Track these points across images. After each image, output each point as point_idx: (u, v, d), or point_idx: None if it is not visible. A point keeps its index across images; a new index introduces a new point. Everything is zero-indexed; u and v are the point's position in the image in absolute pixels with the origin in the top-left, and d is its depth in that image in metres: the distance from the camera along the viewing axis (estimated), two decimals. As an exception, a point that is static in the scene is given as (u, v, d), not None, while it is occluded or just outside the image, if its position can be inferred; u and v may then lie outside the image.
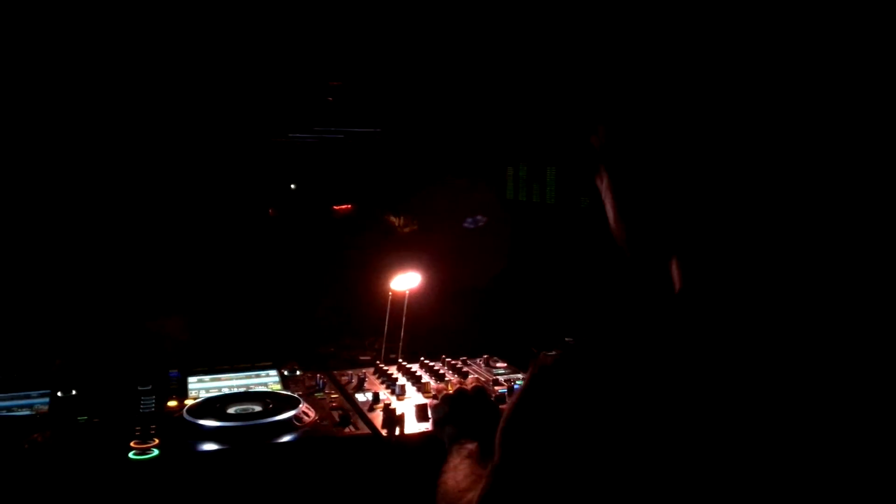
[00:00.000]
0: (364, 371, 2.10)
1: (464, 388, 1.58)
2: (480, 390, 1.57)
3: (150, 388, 1.92)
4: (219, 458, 1.56)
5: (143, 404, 1.82)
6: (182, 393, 1.91)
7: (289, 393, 1.86)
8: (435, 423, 1.58)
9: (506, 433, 0.86)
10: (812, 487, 0.76)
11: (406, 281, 2.26)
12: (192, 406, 1.73)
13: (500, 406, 1.71)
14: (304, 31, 2.72)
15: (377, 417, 1.73)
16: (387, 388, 1.97)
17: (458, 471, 1.28)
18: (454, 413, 1.52)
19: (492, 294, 3.17)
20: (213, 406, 1.74)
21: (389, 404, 1.75)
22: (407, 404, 1.82)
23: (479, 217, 5.12)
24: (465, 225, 5.16)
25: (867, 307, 0.83)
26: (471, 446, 1.35)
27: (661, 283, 0.92)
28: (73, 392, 1.84)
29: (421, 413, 1.73)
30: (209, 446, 1.58)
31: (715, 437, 0.76)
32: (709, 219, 0.82)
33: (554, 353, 0.85)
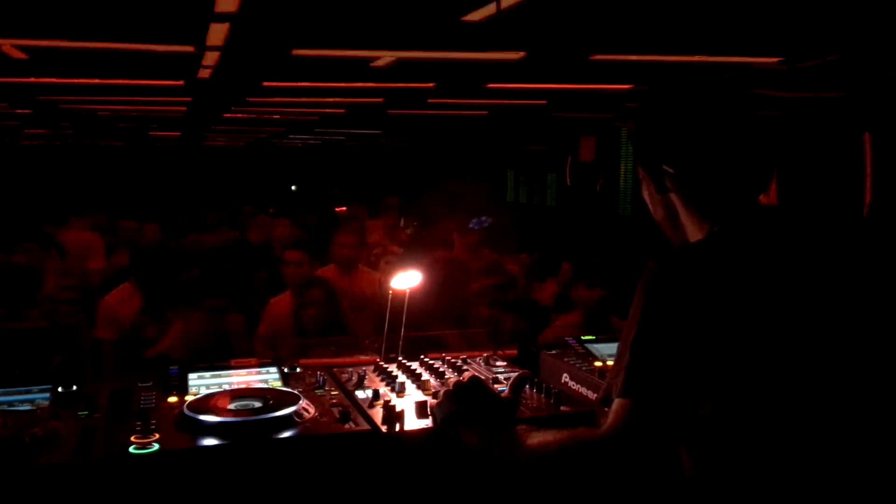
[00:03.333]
0: (364, 369, 2.10)
1: (461, 381, 1.58)
2: (477, 380, 1.58)
3: (150, 384, 1.92)
4: (219, 453, 1.57)
5: (143, 400, 1.82)
6: (182, 389, 1.91)
7: (289, 389, 1.86)
8: (443, 421, 1.57)
9: (641, 326, 1.20)
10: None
11: (406, 279, 2.26)
12: (192, 401, 1.73)
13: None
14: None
15: (377, 414, 1.73)
16: (387, 385, 1.97)
17: (540, 434, 1.33)
18: (462, 408, 1.52)
19: (493, 293, 3.17)
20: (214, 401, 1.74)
21: (389, 401, 1.76)
22: (407, 401, 1.82)
23: (481, 218, 5.13)
24: (469, 226, 5.17)
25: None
26: (523, 426, 1.38)
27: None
28: (74, 387, 1.85)
29: (421, 410, 1.73)
30: (209, 441, 1.58)
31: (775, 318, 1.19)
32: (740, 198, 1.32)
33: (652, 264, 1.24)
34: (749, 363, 1.18)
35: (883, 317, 1.25)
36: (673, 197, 1.37)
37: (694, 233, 1.35)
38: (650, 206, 1.44)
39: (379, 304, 3.23)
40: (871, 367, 1.22)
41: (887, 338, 1.24)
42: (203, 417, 1.64)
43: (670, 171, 1.33)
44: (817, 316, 1.21)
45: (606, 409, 1.23)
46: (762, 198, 1.35)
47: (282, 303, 3.79)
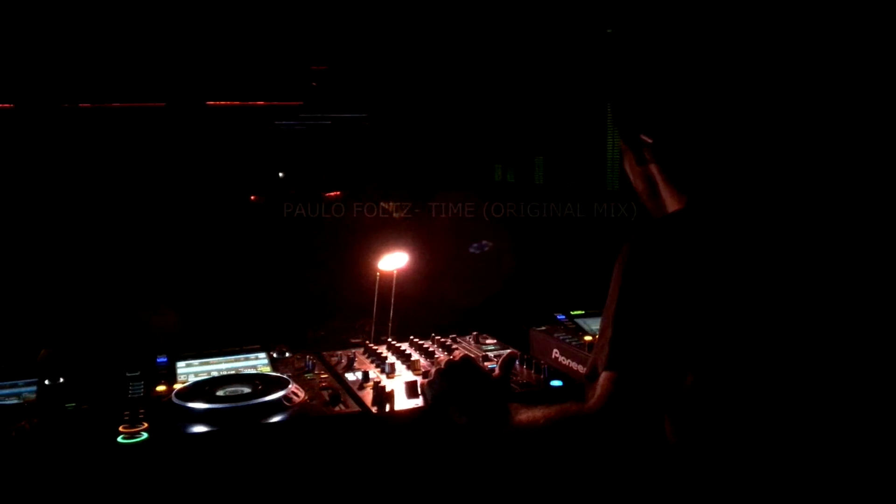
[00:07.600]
0: (354, 351, 2.09)
1: (453, 360, 1.58)
2: (468, 359, 1.57)
3: (138, 373, 1.91)
4: (209, 440, 1.56)
5: (131, 390, 1.81)
6: (171, 378, 1.90)
7: (278, 374, 1.85)
8: (434, 400, 1.57)
9: (621, 299, 1.20)
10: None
11: (394, 261, 2.25)
12: (181, 389, 1.72)
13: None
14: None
15: (367, 395, 1.73)
16: (376, 367, 1.96)
17: (529, 410, 1.33)
18: (453, 388, 1.52)
19: (481, 272, 3.17)
20: (203, 389, 1.73)
21: (379, 382, 1.75)
22: (397, 382, 1.82)
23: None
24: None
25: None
26: (513, 404, 1.38)
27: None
28: (61, 379, 1.83)
29: (411, 390, 1.73)
30: (199, 428, 1.57)
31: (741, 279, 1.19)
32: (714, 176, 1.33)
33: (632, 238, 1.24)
34: (725, 331, 1.19)
35: (856, 286, 1.27)
36: (652, 168, 1.37)
37: (672, 204, 1.35)
38: (631, 177, 1.45)
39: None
40: (845, 335, 1.23)
41: (860, 306, 1.26)
42: (192, 405, 1.63)
43: (648, 140, 1.34)
44: (791, 284, 1.22)
45: (592, 383, 1.23)
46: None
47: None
